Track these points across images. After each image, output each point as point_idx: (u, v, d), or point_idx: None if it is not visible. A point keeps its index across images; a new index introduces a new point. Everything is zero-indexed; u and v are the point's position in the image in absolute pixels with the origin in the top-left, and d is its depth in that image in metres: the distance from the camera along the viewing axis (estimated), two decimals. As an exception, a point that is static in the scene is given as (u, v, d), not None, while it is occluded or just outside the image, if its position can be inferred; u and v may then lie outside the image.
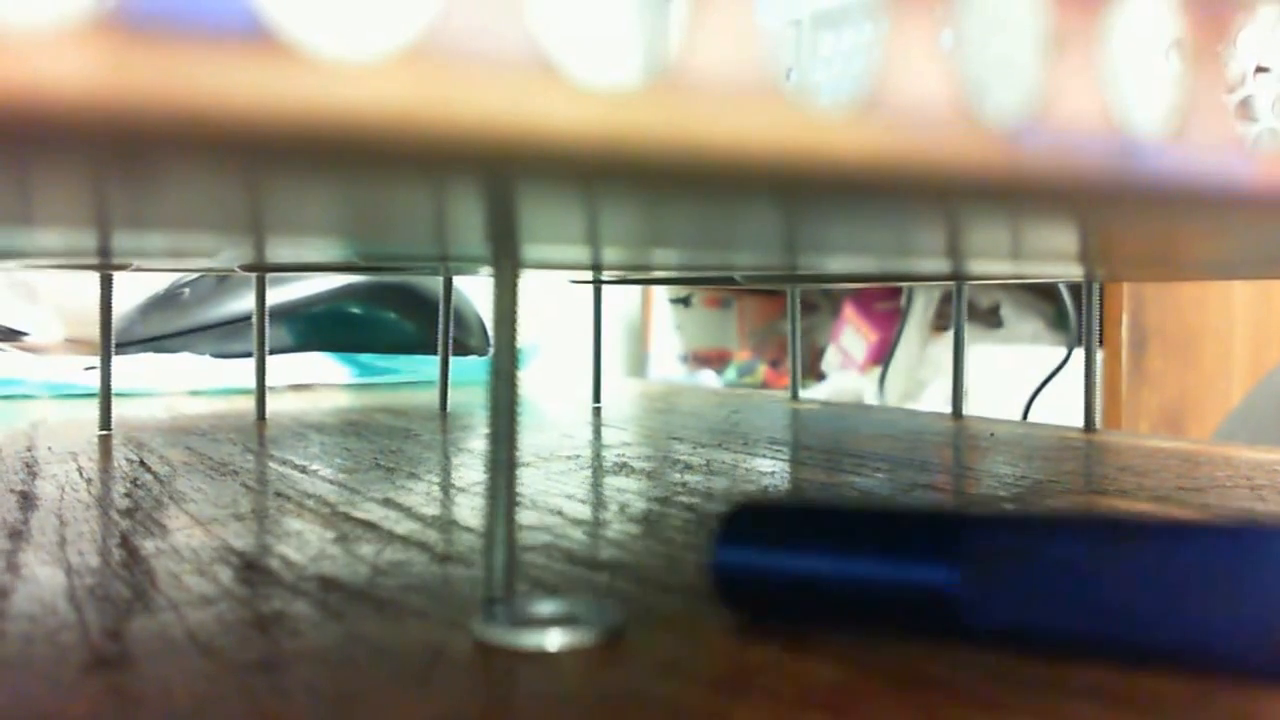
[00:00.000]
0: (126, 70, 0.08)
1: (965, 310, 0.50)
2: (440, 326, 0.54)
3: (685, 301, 1.62)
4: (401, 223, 0.20)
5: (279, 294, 0.69)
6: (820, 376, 1.44)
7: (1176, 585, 0.14)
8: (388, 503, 0.28)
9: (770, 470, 0.34)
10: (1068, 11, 0.11)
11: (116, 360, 0.44)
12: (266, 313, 0.47)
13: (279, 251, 0.33)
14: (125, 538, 0.24)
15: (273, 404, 0.51)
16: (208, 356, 0.67)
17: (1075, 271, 0.37)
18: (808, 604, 0.17)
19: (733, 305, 1.66)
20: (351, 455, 0.37)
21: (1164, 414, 1.01)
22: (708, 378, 1.55)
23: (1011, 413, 0.95)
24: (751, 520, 0.18)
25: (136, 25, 0.08)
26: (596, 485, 0.31)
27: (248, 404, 0.52)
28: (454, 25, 0.08)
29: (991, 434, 0.44)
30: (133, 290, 0.71)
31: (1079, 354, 0.90)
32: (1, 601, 0.19)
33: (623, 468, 0.34)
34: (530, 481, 0.31)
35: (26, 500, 0.28)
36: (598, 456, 0.37)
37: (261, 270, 0.46)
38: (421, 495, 0.29)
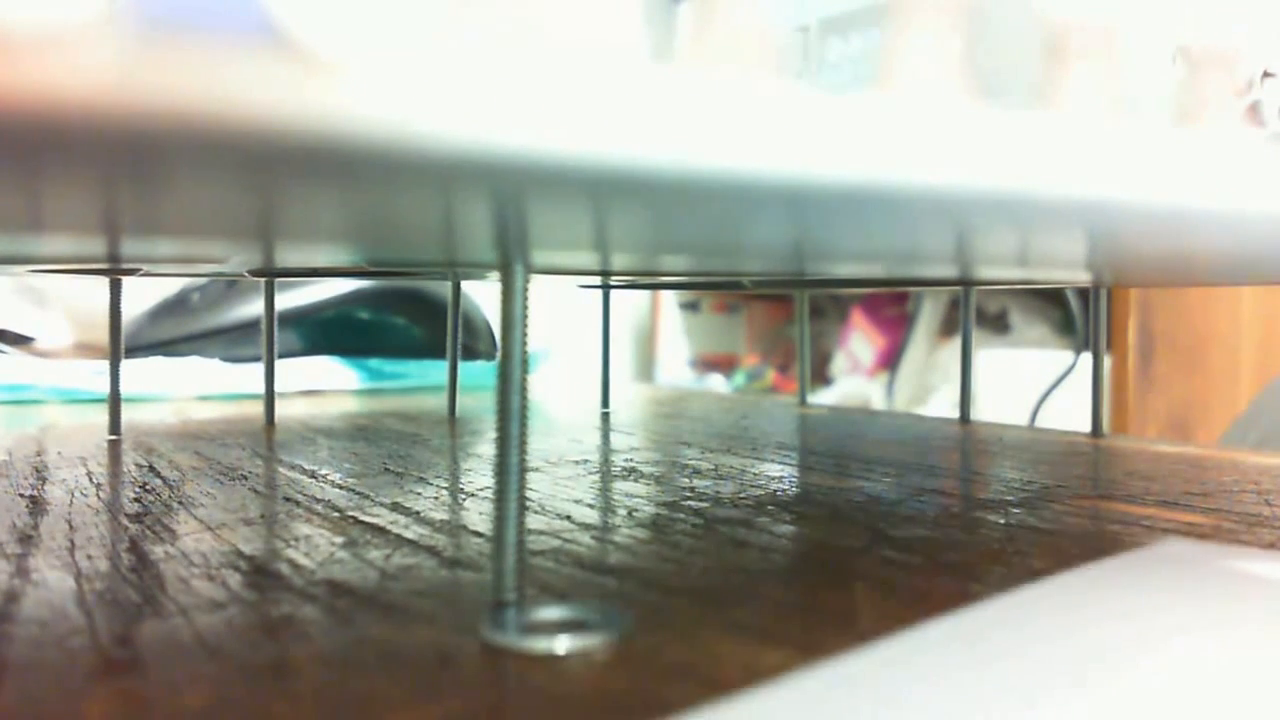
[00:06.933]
0: (136, 74, 0.08)
1: (973, 315, 0.50)
2: (449, 331, 0.54)
3: (694, 307, 1.62)
4: (408, 226, 0.20)
5: (288, 299, 0.69)
6: (828, 381, 1.43)
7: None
8: (396, 507, 0.28)
9: (778, 475, 0.34)
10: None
11: (126, 365, 0.44)
12: (276, 318, 0.48)
13: (288, 256, 0.33)
14: (134, 542, 0.24)
15: (282, 409, 0.52)
16: (217, 361, 0.67)
17: (1083, 277, 0.37)
18: None
19: (741, 310, 1.66)
20: (360, 460, 0.37)
21: (1171, 419, 1.01)
22: (716, 382, 1.55)
23: (1019, 417, 0.95)
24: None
25: (147, 29, 0.08)
26: (605, 490, 0.31)
27: (257, 409, 0.52)
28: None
29: (1000, 439, 0.44)
30: (142, 295, 0.71)
31: (1086, 359, 0.90)
32: (12, 606, 0.19)
33: (631, 472, 0.34)
34: (539, 486, 0.31)
35: (36, 505, 0.28)
36: (606, 461, 0.37)
37: (270, 275, 0.46)
38: (430, 500, 0.29)
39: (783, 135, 0.11)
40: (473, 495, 0.30)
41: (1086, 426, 0.46)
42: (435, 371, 0.71)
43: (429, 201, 0.14)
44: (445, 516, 0.27)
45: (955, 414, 0.52)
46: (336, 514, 0.27)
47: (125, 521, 0.26)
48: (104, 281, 0.43)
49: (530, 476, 0.33)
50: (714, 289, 1.30)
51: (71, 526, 0.25)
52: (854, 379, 1.41)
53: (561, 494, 0.30)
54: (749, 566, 0.22)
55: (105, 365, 0.43)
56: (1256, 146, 0.14)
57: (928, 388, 1.29)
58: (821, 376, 1.45)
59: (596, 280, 0.52)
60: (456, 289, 0.54)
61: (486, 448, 0.41)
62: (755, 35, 0.12)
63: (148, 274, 0.43)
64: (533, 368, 0.74)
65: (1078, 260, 0.27)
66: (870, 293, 1.39)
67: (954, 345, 1.25)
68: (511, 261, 0.19)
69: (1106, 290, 0.46)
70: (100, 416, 0.46)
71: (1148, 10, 0.19)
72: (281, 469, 0.35)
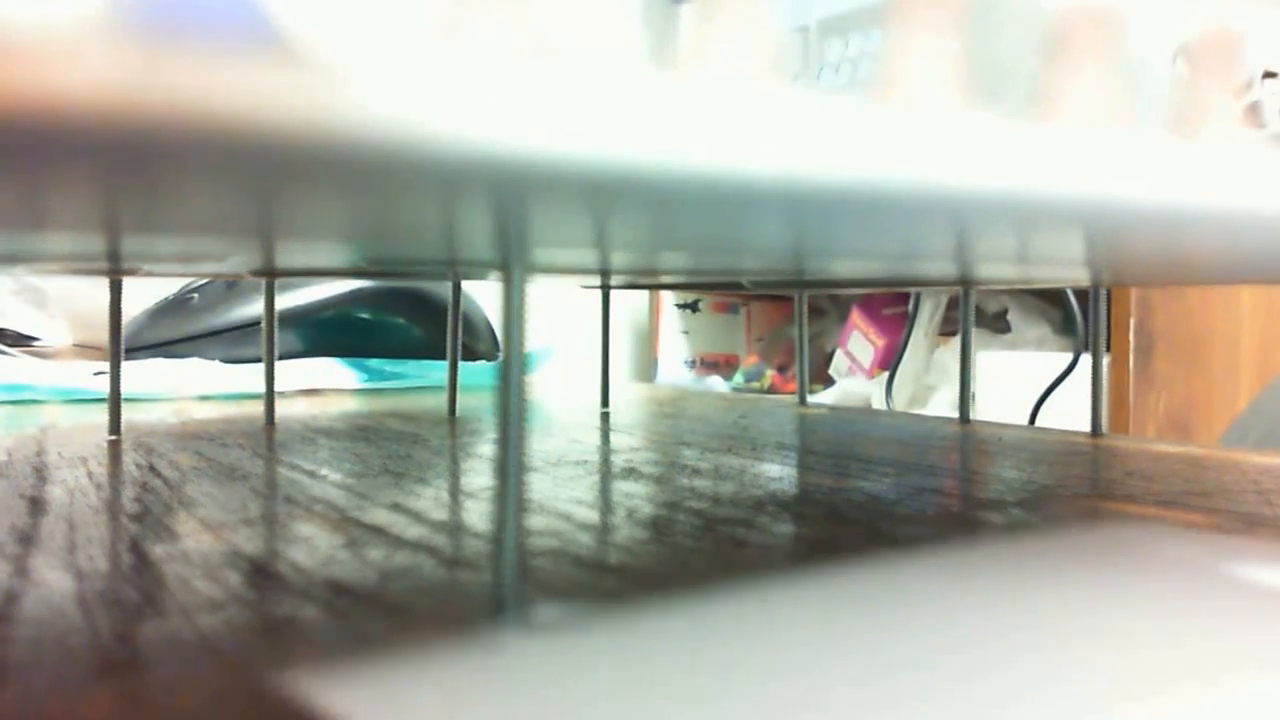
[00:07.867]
0: (136, 76, 0.08)
1: (972, 315, 0.50)
2: (449, 331, 0.54)
3: (693, 307, 1.62)
4: (409, 227, 0.20)
5: (288, 299, 0.69)
6: (828, 382, 1.43)
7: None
8: (396, 507, 0.28)
9: (778, 475, 0.34)
10: None
11: (126, 365, 0.44)
12: (276, 318, 0.48)
13: (288, 257, 0.33)
14: (135, 542, 0.24)
15: (282, 409, 0.52)
16: (217, 362, 0.67)
17: (1082, 277, 0.37)
18: None
19: (740, 310, 1.66)
20: (360, 460, 0.37)
21: (1171, 419, 1.01)
22: (715, 382, 1.55)
23: (1019, 418, 0.95)
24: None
25: (147, 30, 0.08)
26: (605, 490, 0.31)
27: (257, 409, 0.52)
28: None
29: (999, 439, 0.44)
30: (142, 295, 0.71)
31: (1086, 359, 0.90)
32: (11, 605, 0.19)
33: (631, 472, 0.34)
34: (539, 486, 0.31)
35: (36, 505, 0.28)
36: (606, 461, 0.37)
37: (271, 275, 0.46)
38: (430, 500, 0.29)
39: (782, 137, 0.11)
40: (473, 495, 0.30)
41: (1086, 426, 0.46)
42: (435, 371, 0.71)
43: (429, 203, 0.14)
44: (445, 516, 0.27)
45: (955, 414, 0.52)
46: (336, 514, 0.27)
47: (125, 521, 0.26)
48: (104, 282, 0.43)
49: (530, 476, 0.33)
50: (714, 289, 1.30)
51: (71, 526, 0.25)
52: (853, 379, 1.41)
53: (561, 494, 0.30)
54: (749, 566, 0.22)
55: (105, 365, 0.43)
56: (1256, 146, 0.14)
57: (928, 388, 1.29)
58: (821, 377, 1.45)
59: (596, 280, 0.52)
60: (456, 289, 0.54)
61: (486, 448, 0.41)
62: (756, 36, 0.12)
63: (148, 274, 0.43)
64: (533, 368, 0.74)
65: (1077, 260, 0.27)
66: (870, 292, 1.39)
67: (954, 345, 1.25)
68: (511, 261, 0.19)
69: (1106, 290, 0.46)
70: (100, 416, 0.46)
71: (1148, 10, 0.19)
72: (281, 469, 0.35)
